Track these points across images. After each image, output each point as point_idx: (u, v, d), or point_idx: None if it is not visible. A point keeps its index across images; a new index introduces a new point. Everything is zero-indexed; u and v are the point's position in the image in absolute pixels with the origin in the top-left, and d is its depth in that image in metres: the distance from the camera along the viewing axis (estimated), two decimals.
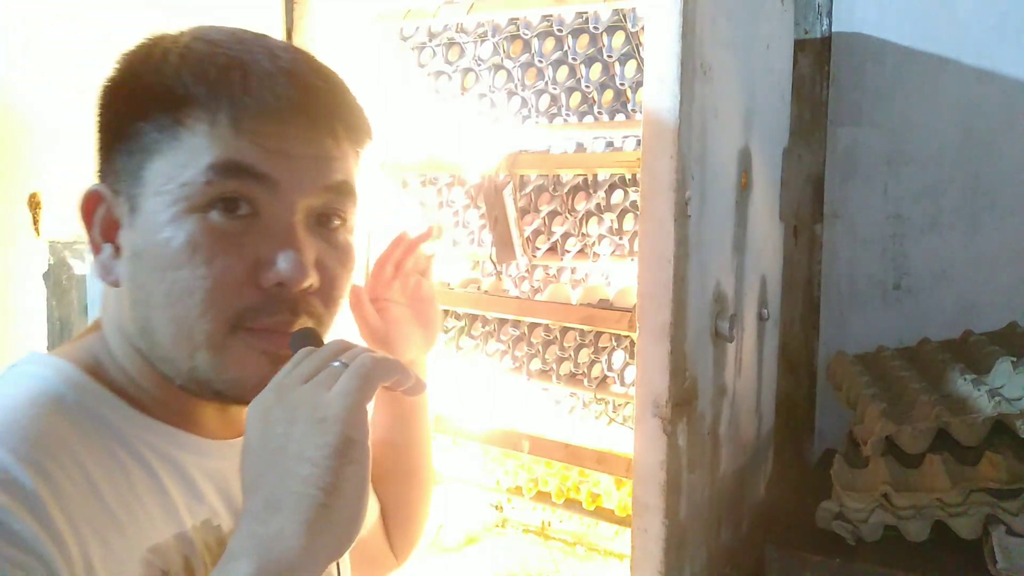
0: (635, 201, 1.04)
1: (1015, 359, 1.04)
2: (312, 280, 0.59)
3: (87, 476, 0.54)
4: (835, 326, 1.44)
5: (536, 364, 1.14)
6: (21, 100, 0.95)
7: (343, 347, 0.56)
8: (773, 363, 1.32)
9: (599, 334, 1.10)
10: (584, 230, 1.10)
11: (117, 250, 0.60)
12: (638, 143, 0.90)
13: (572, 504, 1.16)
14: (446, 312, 1.22)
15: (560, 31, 1.07)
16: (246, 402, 0.55)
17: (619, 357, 1.08)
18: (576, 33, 1.07)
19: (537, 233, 1.14)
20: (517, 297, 1.18)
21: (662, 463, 0.89)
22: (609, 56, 1.04)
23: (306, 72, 0.59)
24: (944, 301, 1.37)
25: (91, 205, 0.60)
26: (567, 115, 1.13)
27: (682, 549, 0.94)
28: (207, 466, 0.63)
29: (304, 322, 0.60)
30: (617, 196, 1.07)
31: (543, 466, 1.16)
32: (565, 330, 1.12)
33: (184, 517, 0.60)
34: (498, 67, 1.15)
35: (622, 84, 1.07)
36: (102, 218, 0.60)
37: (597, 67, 1.09)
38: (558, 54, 1.09)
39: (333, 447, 0.49)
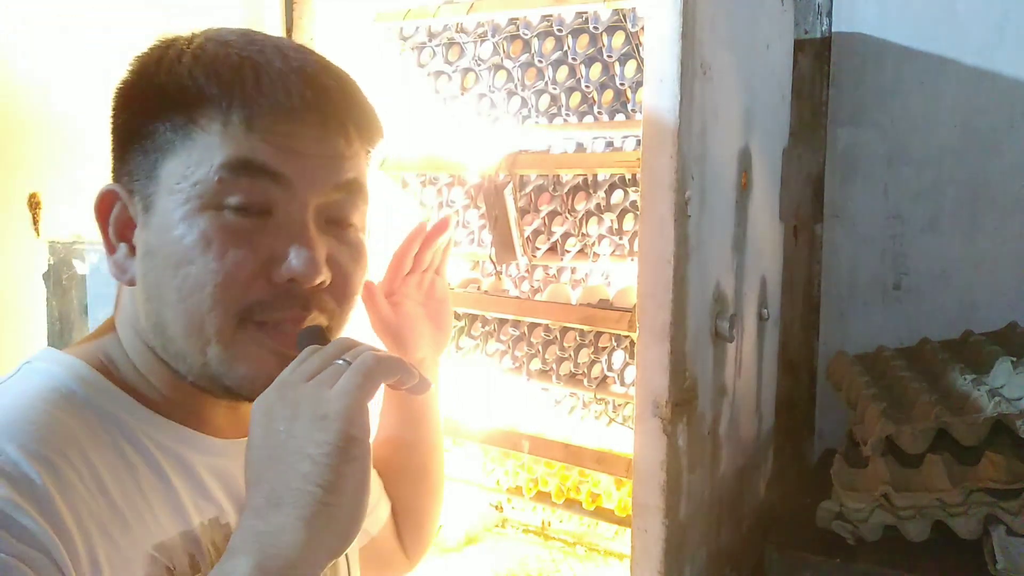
0: (635, 201, 1.04)
1: (1015, 359, 1.04)
2: (324, 276, 0.60)
3: (95, 473, 0.54)
4: (835, 326, 1.44)
5: (536, 364, 1.14)
6: (21, 100, 0.95)
7: (348, 345, 0.56)
8: (773, 363, 1.32)
9: (599, 334, 1.10)
10: (584, 230, 1.10)
11: (132, 249, 0.61)
12: (638, 143, 0.90)
13: (572, 504, 1.16)
14: None
15: (560, 31, 1.07)
16: (255, 399, 0.55)
17: (619, 357, 1.08)
18: (576, 33, 1.07)
19: (537, 233, 1.14)
20: (517, 297, 1.18)
21: (662, 463, 0.89)
22: (609, 56, 1.04)
23: (318, 72, 0.60)
24: (944, 301, 1.37)
25: (106, 205, 0.61)
26: (567, 115, 1.13)
27: (682, 549, 0.94)
28: (216, 464, 0.64)
29: (315, 318, 0.61)
30: (617, 196, 1.07)
31: (543, 466, 1.16)
32: (565, 330, 1.12)
33: (191, 515, 0.60)
34: (498, 67, 1.15)
35: (622, 84, 1.07)
36: (117, 217, 0.61)
37: (597, 67, 1.09)
38: (558, 54, 1.09)
39: (333, 444, 0.50)
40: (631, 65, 1.05)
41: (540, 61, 1.10)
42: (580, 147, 1.11)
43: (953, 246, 1.36)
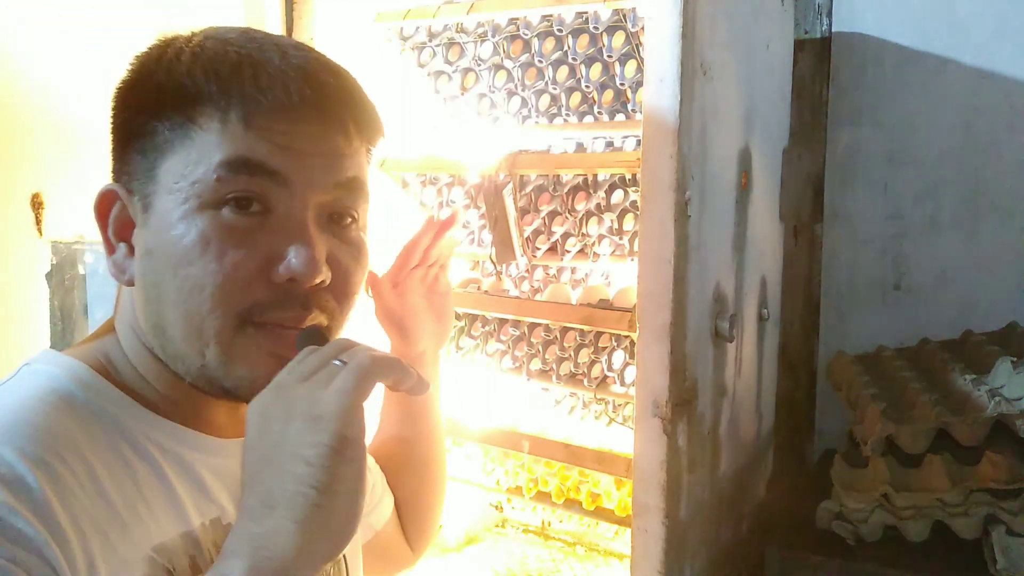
0: (635, 201, 1.04)
1: (1015, 359, 1.04)
2: (324, 276, 0.59)
3: (92, 475, 0.54)
4: (835, 326, 1.44)
5: (536, 364, 1.14)
6: (23, 100, 0.95)
7: (345, 346, 0.56)
8: (773, 363, 1.32)
9: (599, 334, 1.10)
10: (584, 230, 1.10)
11: (131, 249, 0.60)
12: (638, 143, 0.90)
13: (572, 504, 1.16)
14: None
15: (560, 31, 1.07)
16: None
17: (619, 357, 1.08)
18: (576, 33, 1.07)
19: (537, 233, 1.14)
20: (517, 297, 1.18)
21: (662, 463, 0.89)
22: (609, 56, 1.04)
23: (318, 69, 0.59)
24: (944, 301, 1.37)
25: (105, 204, 0.61)
26: (567, 115, 1.13)
27: (682, 549, 0.94)
28: (217, 465, 0.63)
29: (316, 317, 0.60)
30: (617, 196, 1.07)
31: (543, 466, 1.16)
32: (565, 330, 1.12)
33: (192, 516, 0.60)
34: (498, 67, 1.15)
35: (622, 84, 1.07)
36: (116, 217, 0.60)
37: (597, 67, 1.09)
38: (558, 54, 1.09)
39: (328, 446, 0.49)
40: (631, 65, 1.05)
41: (540, 61, 1.10)
42: (580, 147, 1.11)
43: (953, 246, 1.36)
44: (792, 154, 1.33)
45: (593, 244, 1.10)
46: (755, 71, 1.12)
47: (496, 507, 1.37)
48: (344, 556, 0.75)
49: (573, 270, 1.22)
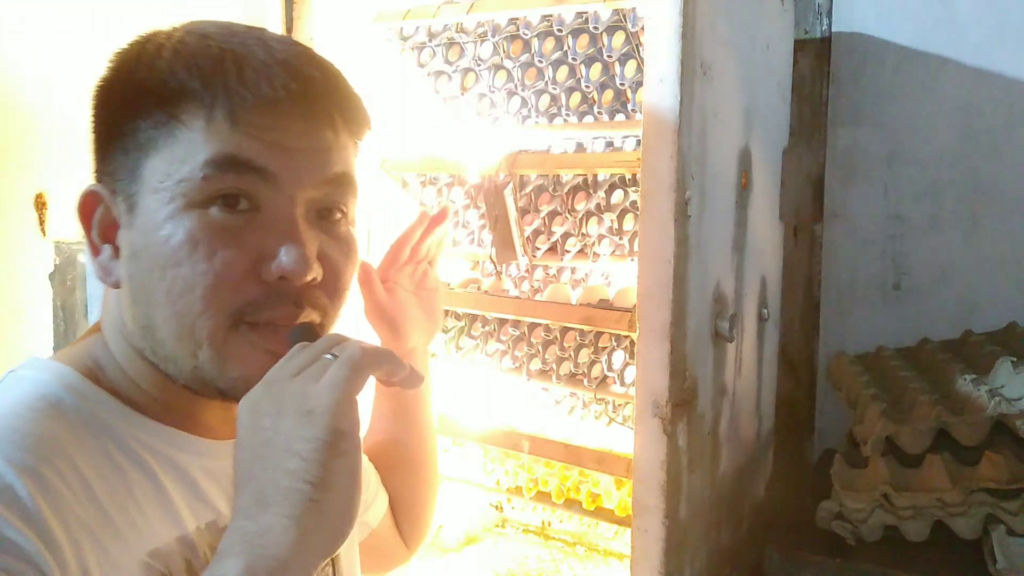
0: (635, 201, 1.04)
1: (1015, 359, 1.04)
2: (315, 273, 0.58)
3: (83, 481, 0.53)
4: (835, 326, 1.44)
5: (536, 364, 1.14)
6: (26, 100, 0.95)
7: (336, 340, 0.55)
8: (773, 363, 1.32)
9: (599, 334, 1.10)
10: (584, 230, 1.10)
11: (116, 251, 0.59)
12: (638, 143, 0.90)
13: (572, 504, 1.16)
14: (446, 312, 1.22)
15: (560, 31, 1.07)
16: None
17: (619, 357, 1.08)
18: (576, 33, 1.07)
19: (537, 233, 1.14)
20: (517, 297, 1.18)
21: (662, 463, 0.88)
22: (609, 56, 1.04)
23: (302, 63, 0.58)
24: (944, 301, 1.37)
25: (89, 206, 0.60)
26: (567, 115, 1.13)
27: (682, 549, 0.94)
28: (210, 467, 0.62)
29: (308, 315, 0.60)
30: (617, 196, 1.07)
31: (543, 466, 1.16)
32: (565, 330, 1.12)
33: (186, 519, 0.59)
34: (498, 67, 1.15)
35: (622, 84, 1.07)
36: (100, 219, 0.59)
37: (597, 67, 1.09)
38: (558, 54, 1.09)
39: (321, 440, 0.49)
40: (631, 65, 1.05)
41: (540, 61, 1.10)
42: (580, 147, 1.11)
43: (953, 246, 1.36)
44: (792, 154, 1.33)
45: (593, 244, 1.10)
46: (755, 71, 1.12)
47: (496, 507, 1.37)
48: (338, 555, 0.74)
49: (573, 270, 1.22)
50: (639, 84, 0.98)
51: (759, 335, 1.21)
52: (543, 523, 1.36)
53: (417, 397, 0.89)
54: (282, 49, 0.58)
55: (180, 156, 0.55)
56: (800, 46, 1.38)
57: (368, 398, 0.91)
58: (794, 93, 1.35)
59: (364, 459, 0.83)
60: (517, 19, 1.10)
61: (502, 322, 1.18)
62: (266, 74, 0.55)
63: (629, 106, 1.10)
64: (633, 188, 1.05)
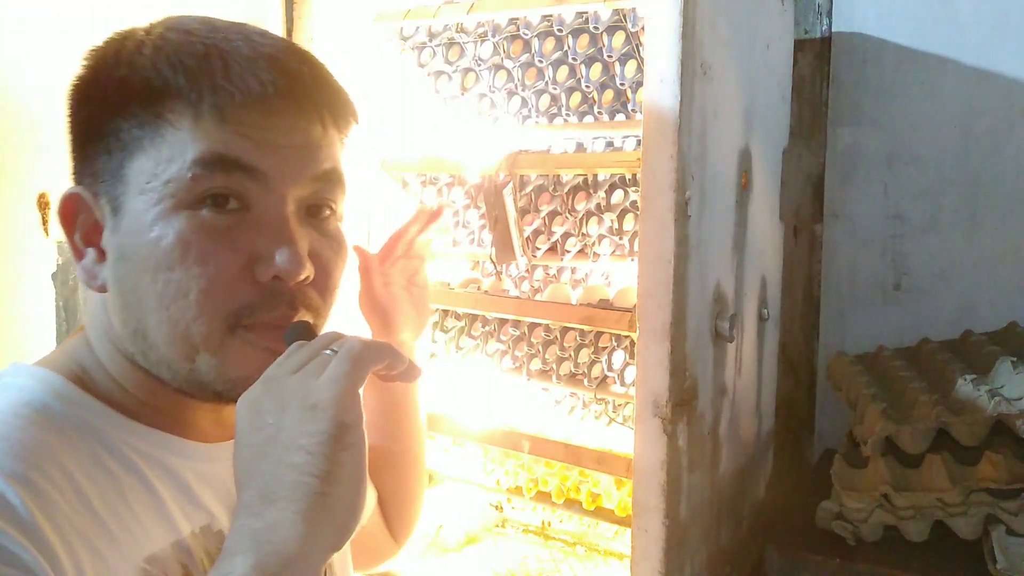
0: (635, 201, 1.04)
1: (1015, 359, 1.04)
2: (308, 271, 0.58)
3: (76, 488, 0.52)
4: (835, 326, 1.44)
5: (536, 364, 1.14)
6: (28, 100, 0.95)
7: (334, 337, 0.55)
8: (773, 363, 1.32)
9: (599, 334, 1.10)
10: (584, 230, 1.10)
11: (101, 254, 0.58)
12: (638, 143, 0.90)
13: (572, 504, 1.16)
14: (446, 312, 1.22)
15: (560, 31, 1.07)
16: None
17: (619, 357, 1.08)
18: (576, 33, 1.07)
19: (537, 233, 1.14)
20: (517, 297, 1.18)
21: (662, 463, 0.88)
22: (609, 56, 1.04)
23: (289, 57, 0.57)
24: (944, 301, 1.37)
25: (70, 209, 0.58)
26: (567, 115, 1.13)
27: (682, 549, 0.94)
28: (203, 470, 0.62)
29: (303, 315, 0.59)
30: (617, 196, 1.07)
31: (543, 466, 1.16)
32: (565, 330, 1.12)
33: (180, 524, 0.59)
34: (498, 67, 1.15)
35: (622, 84, 1.07)
36: (82, 222, 0.58)
37: (597, 67, 1.09)
38: (558, 54, 1.09)
39: (326, 433, 0.48)
40: (631, 65, 1.05)
41: (540, 61, 1.10)
42: (580, 147, 1.11)
43: (953, 246, 1.36)
44: (792, 154, 1.33)
45: (593, 244, 1.10)
46: (755, 71, 1.12)
47: (496, 507, 1.37)
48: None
49: (573, 270, 1.22)
50: (639, 84, 0.98)
51: (759, 335, 1.21)
52: (543, 523, 1.36)
53: (406, 393, 0.88)
54: (266, 44, 0.57)
55: (167, 156, 0.54)
56: (800, 46, 1.38)
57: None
58: (794, 93, 1.35)
59: None
60: (517, 19, 1.10)
61: (502, 322, 1.18)
62: (253, 70, 0.54)
63: (629, 106, 1.10)
64: (633, 188, 1.05)
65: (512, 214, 1.12)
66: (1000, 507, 0.92)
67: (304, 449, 0.48)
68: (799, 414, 1.45)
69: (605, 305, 1.03)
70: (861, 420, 1.08)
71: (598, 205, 1.09)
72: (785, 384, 1.40)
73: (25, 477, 0.50)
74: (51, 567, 0.48)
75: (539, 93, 1.14)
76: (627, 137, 1.08)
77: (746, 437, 1.18)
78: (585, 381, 1.09)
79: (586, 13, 1.04)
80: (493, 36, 1.12)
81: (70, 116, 0.59)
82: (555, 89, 1.12)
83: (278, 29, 1.18)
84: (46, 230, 0.97)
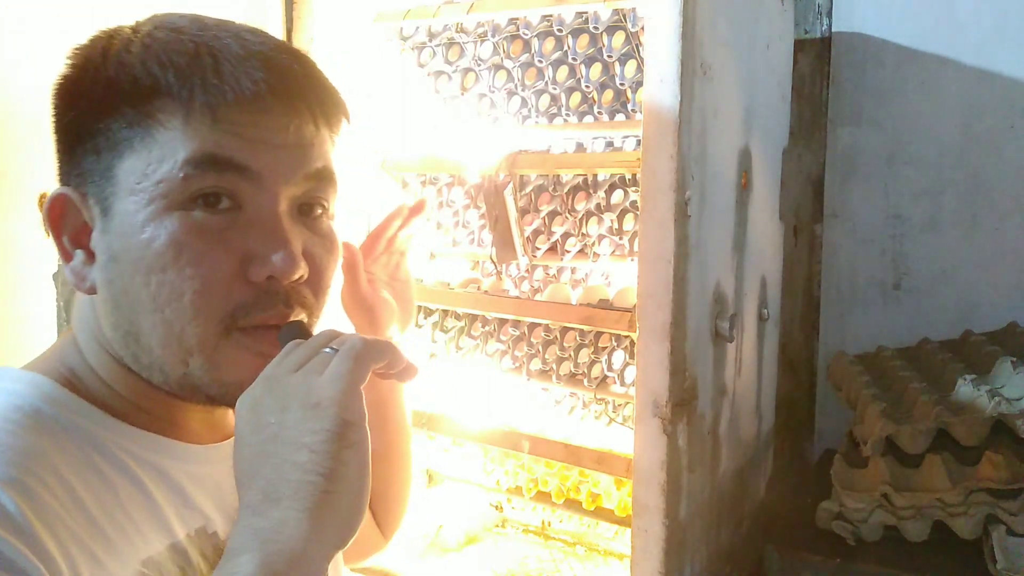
0: (635, 201, 1.04)
1: (1015, 359, 1.04)
2: (302, 271, 0.58)
3: (71, 491, 0.52)
4: (835, 326, 1.44)
5: (536, 364, 1.14)
6: (28, 100, 0.95)
7: (332, 335, 0.54)
8: (773, 363, 1.32)
9: (599, 334, 1.10)
10: (584, 230, 1.10)
11: (90, 255, 0.57)
12: (638, 143, 0.90)
13: (572, 504, 1.16)
14: (446, 312, 1.22)
15: (560, 31, 1.07)
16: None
17: (619, 357, 1.08)
18: (576, 33, 1.07)
19: (537, 233, 1.14)
20: (517, 297, 1.18)
21: (662, 463, 0.88)
22: (609, 56, 1.04)
23: (280, 56, 0.56)
24: (944, 301, 1.37)
25: (57, 210, 0.57)
26: (567, 115, 1.13)
27: (682, 549, 0.94)
28: (196, 472, 0.61)
29: (296, 314, 0.59)
30: (617, 196, 1.07)
31: (543, 466, 1.16)
32: (565, 330, 1.12)
33: (175, 527, 0.58)
34: (498, 67, 1.15)
35: (622, 84, 1.07)
36: (70, 223, 0.57)
37: (597, 67, 1.09)
38: (558, 54, 1.09)
39: (330, 431, 0.48)
40: (631, 65, 1.05)
41: (540, 61, 1.10)
42: (580, 147, 1.11)
43: (953, 246, 1.36)
44: (792, 154, 1.33)
45: (593, 244, 1.10)
46: (755, 71, 1.12)
47: (496, 507, 1.37)
48: None
49: (573, 270, 1.22)
50: (639, 84, 0.98)
51: (759, 335, 1.21)
52: (543, 523, 1.36)
53: (392, 389, 0.88)
54: (257, 41, 0.56)
55: (157, 156, 0.53)
56: (800, 46, 1.38)
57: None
58: (794, 93, 1.35)
59: None
60: (517, 19, 1.10)
61: (502, 322, 1.18)
62: (244, 68, 0.54)
63: (629, 106, 1.10)
64: (633, 188, 1.05)
65: (512, 214, 1.12)
66: (1000, 507, 0.92)
67: (308, 447, 0.48)
68: (799, 414, 1.45)
69: (605, 305, 1.03)
70: (861, 420, 1.08)
71: (598, 205, 1.09)
72: (785, 384, 1.40)
73: (19, 482, 0.49)
74: (48, 572, 0.47)
75: (539, 93, 1.14)
76: (627, 137, 1.08)
77: (746, 437, 1.18)
78: (585, 381, 1.09)
79: (586, 13, 1.04)
80: (493, 36, 1.12)
81: (56, 116, 0.58)
82: (555, 89, 1.12)
83: (278, 29, 1.18)
84: (47, 230, 0.97)
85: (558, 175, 1.11)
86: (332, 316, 0.83)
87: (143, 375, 0.58)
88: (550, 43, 1.09)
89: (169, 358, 0.56)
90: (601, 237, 1.09)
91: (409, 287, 0.92)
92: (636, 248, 0.95)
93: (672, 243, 0.86)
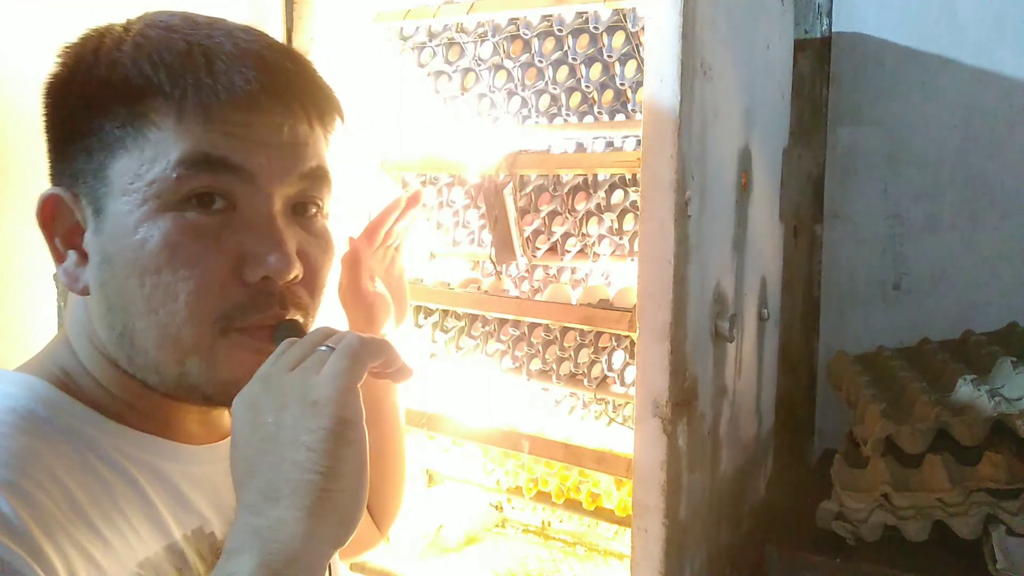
0: (635, 201, 1.04)
1: (1015, 359, 1.04)
2: (298, 270, 0.57)
3: (67, 494, 0.51)
4: (835, 326, 1.44)
5: (536, 364, 1.14)
6: (28, 100, 0.95)
7: (328, 333, 0.54)
8: (773, 363, 1.32)
9: (599, 334, 1.10)
10: (584, 230, 1.10)
11: (83, 256, 0.57)
12: (638, 143, 0.90)
13: (572, 504, 1.16)
14: (446, 312, 1.22)
15: (560, 31, 1.07)
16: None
17: (619, 357, 1.08)
18: (576, 33, 1.07)
19: (537, 233, 1.14)
20: (517, 297, 1.18)
21: (662, 463, 0.89)
22: (609, 56, 1.04)
23: (273, 54, 0.56)
24: (944, 301, 1.37)
25: (49, 211, 0.57)
26: (567, 115, 1.13)
27: (682, 549, 0.94)
28: (192, 473, 0.61)
29: (292, 314, 0.59)
30: (617, 196, 1.07)
31: (543, 466, 1.16)
32: (565, 330, 1.12)
33: (172, 528, 0.58)
34: (498, 67, 1.15)
35: (622, 84, 1.07)
36: (62, 224, 0.57)
37: (597, 67, 1.09)
38: (558, 54, 1.09)
39: (328, 430, 0.48)
40: (631, 65, 1.05)
41: (540, 61, 1.10)
42: (580, 147, 1.11)
43: (953, 246, 1.36)
44: (792, 154, 1.33)
45: (593, 244, 1.10)
46: (755, 71, 1.12)
47: (496, 507, 1.37)
48: None
49: (573, 270, 1.22)
50: (639, 84, 0.98)
51: (759, 335, 1.21)
52: (543, 523, 1.36)
53: (387, 383, 0.88)
54: (249, 40, 0.55)
55: (150, 156, 0.53)
56: (800, 46, 1.38)
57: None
58: (794, 93, 1.35)
59: None
60: (517, 19, 1.10)
61: (502, 322, 1.18)
62: (237, 67, 0.53)
63: (629, 106, 1.10)
64: (633, 188, 1.05)
65: (512, 214, 1.12)
66: (1000, 507, 0.92)
67: (306, 446, 0.48)
68: (799, 414, 1.45)
69: (605, 305, 1.03)
70: (861, 420, 1.08)
71: (598, 205, 1.09)
72: (785, 384, 1.40)
73: (15, 485, 0.49)
74: (45, 573, 0.47)
75: (539, 93, 1.14)
76: (627, 137, 1.08)
77: (746, 437, 1.18)
78: (585, 381, 1.09)
79: (586, 13, 1.04)
80: (493, 36, 1.12)
81: (47, 115, 0.57)
82: (555, 89, 1.12)
83: (278, 29, 1.18)
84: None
85: (558, 175, 1.11)
86: (325, 312, 0.83)
87: (138, 376, 0.57)
88: (550, 43, 1.09)
89: (164, 359, 0.56)
90: (601, 237, 1.09)
91: (403, 282, 0.92)
92: (636, 248, 0.95)
93: (672, 243, 0.86)
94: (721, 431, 1.05)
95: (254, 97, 0.54)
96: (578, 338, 1.12)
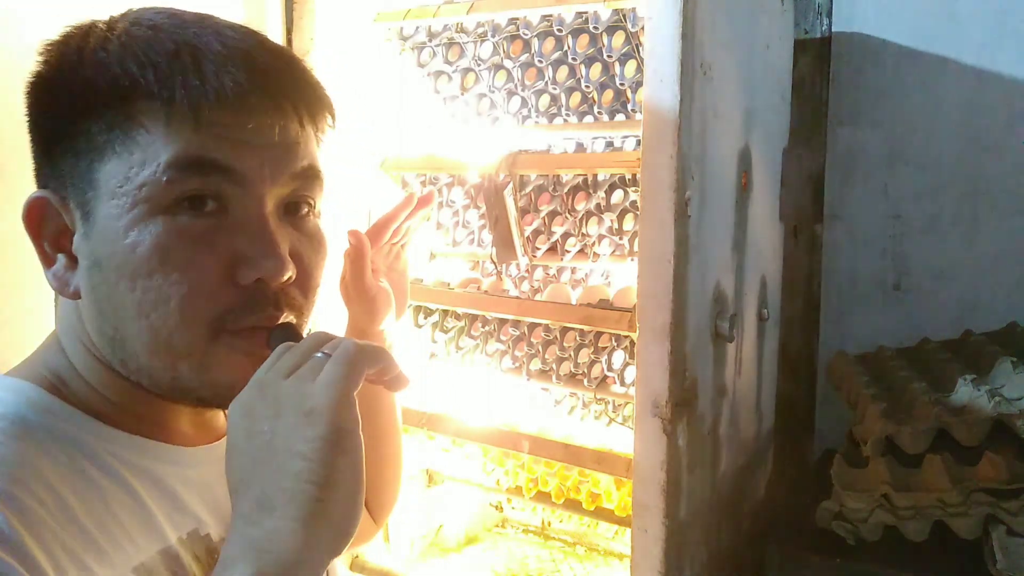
0: (635, 201, 1.04)
1: (1015, 359, 1.04)
2: (291, 272, 0.57)
3: (59, 500, 0.51)
4: (835, 326, 1.44)
5: (536, 364, 1.14)
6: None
7: (324, 338, 0.54)
8: (773, 363, 1.32)
9: (599, 334, 1.10)
10: (584, 230, 1.10)
11: (72, 260, 0.56)
12: (638, 143, 0.90)
13: (572, 504, 1.16)
14: (446, 312, 1.22)
15: (560, 31, 1.07)
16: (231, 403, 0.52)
17: (619, 357, 1.08)
18: (576, 33, 1.07)
19: (537, 233, 1.14)
20: (517, 297, 1.18)
21: (662, 463, 0.89)
22: (609, 56, 1.04)
23: (263, 53, 0.55)
24: (944, 301, 1.37)
25: (36, 214, 0.56)
26: (567, 115, 1.13)
27: (682, 549, 0.94)
28: (186, 475, 0.61)
29: (286, 316, 0.58)
30: (617, 196, 1.07)
31: (543, 466, 1.16)
32: (565, 330, 1.12)
33: (167, 531, 0.58)
34: (498, 67, 1.15)
35: (622, 84, 1.07)
36: (51, 227, 0.56)
37: (597, 67, 1.09)
38: (558, 54, 1.09)
39: (324, 439, 0.47)
40: (631, 65, 1.05)
41: (540, 61, 1.10)
42: (580, 147, 1.11)
43: (953, 246, 1.36)
44: (792, 154, 1.33)
45: (593, 244, 1.10)
46: (755, 71, 1.12)
47: (496, 507, 1.38)
48: None
49: (573, 270, 1.22)
50: (639, 84, 0.98)
51: (759, 335, 1.21)
52: (543, 523, 1.36)
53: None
54: (238, 38, 0.54)
55: (139, 159, 0.52)
56: (800, 46, 1.38)
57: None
58: (794, 93, 1.35)
59: None
60: (517, 19, 1.10)
61: (502, 322, 1.18)
62: (226, 67, 0.52)
63: (629, 106, 1.10)
64: (633, 188, 1.05)
65: (512, 214, 1.12)
66: (1000, 507, 0.92)
67: (301, 455, 0.47)
68: (799, 414, 1.45)
69: (605, 305, 1.03)
70: (861, 420, 1.08)
71: (598, 205, 1.09)
72: (785, 384, 1.40)
73: (7, 492, 0.48)
74: None
75: (539, 93, 1.14)
76: (627, 137, 1.08)
77: (746, 437, 1.18)
78: (585, 381, 1.09)
79: (586, 13, 1.04)
80: (493, 36, 1.12)
81: (30, 115, 0.56)
82: (555, 89, 1.12)
83: (278, 29, 1.18)
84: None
85: (558, 175, 1.11)
86: (324, 307, 0.83)
87: (132, 380, 0.57)
88: (550, 43, 1.09)
89: (157, 363, 0.55)
90: (601, 237, 1.09)
91: (406, 278, 0.92)
92: (636, 248, 0.95)
93: (672, 243, 0.86)
94: (721, 431, 1.05)
95: (244, 98, 0.53)
96: (578, 338, 1.12)
